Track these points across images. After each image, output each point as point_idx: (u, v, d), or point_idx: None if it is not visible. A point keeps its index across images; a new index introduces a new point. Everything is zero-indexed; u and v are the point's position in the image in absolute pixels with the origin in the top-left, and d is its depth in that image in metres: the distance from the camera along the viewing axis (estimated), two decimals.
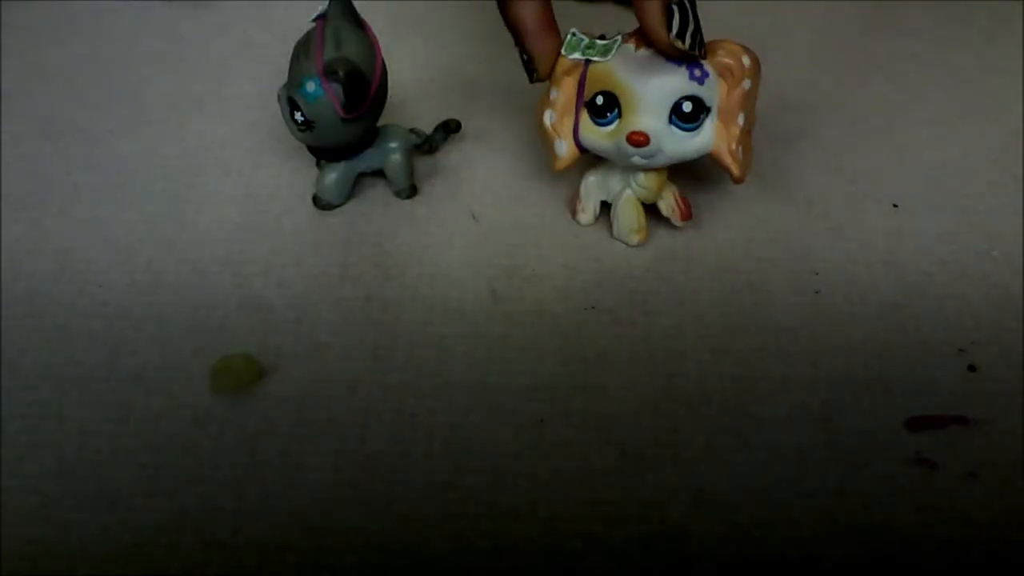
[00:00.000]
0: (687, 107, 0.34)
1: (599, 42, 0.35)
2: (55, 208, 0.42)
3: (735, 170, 0.36)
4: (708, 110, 0.35)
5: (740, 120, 0.35)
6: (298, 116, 0.37)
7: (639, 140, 0.34)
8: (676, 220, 0.39)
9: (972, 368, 0.35)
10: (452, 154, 0.45)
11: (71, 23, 0.54)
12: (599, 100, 0.35)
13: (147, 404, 0.34)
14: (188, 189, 0.43)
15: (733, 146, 0.35)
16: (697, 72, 0.34)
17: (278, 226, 0.41)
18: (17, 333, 0.37)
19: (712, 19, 0.52)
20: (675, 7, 0.32)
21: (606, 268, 0.39)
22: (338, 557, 0.30)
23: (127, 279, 0.39)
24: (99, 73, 0.50)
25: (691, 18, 0.32)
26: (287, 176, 0.43)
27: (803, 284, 0.38)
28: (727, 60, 0.34)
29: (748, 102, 0.35)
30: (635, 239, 0.40)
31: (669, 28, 0.32)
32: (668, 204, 0.39)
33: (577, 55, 0.35)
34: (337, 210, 0.42)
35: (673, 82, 0.34)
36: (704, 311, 0.37)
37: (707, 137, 0.35)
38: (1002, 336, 0.36)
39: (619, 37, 0.35)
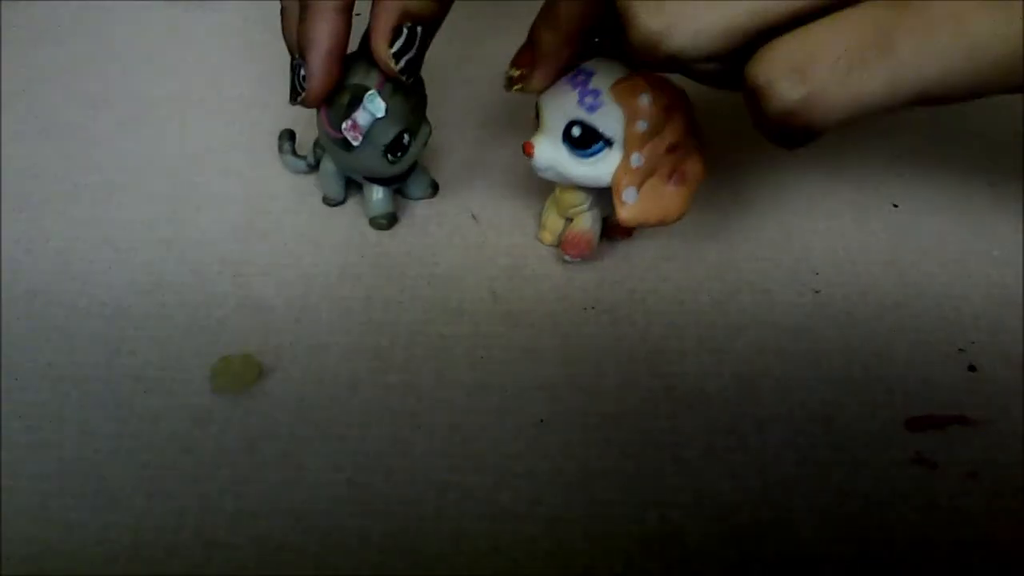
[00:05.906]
0: (575, 131, 0.34)
1: None
2: (55, 208, 0.42)
3: (619, 210, 0.34)
4: (609, 141, 0.34)
5: (635, 160, 0.33)
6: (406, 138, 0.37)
7: (525, 150, 0.35)
8: (564, 250, 0.38)
9: (972, 368, 0.35)
10: (452, 154, 0.45)
11: (71, 23, 0.54)
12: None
13: (147, 404, 0.34)
14: (188, 189, 0.43)
15: (624, 183, 0.34)
16: (588, 100, 0.33)
17: (278, 226, 0.41)
18: (17, 333, 0.37)
19: None
20: (405, 29, 0.33)
21: (606, 268, 0.39)
22: (338, 557, 0.30)
23: (127, 279, 0.39)
24: (99, 73, 0.50)
25: (415, 47, 0.34)
26: (287, 176, 0.43)
27: (803, 284, 0.38)
28: (623, 97, 0.33)
29: (645, 144, 0.33)
30: (541, 234, 0.39)
31: (391, 44, 0.34)
32: (571, 228, 0.38)
33: None
34: (337, 210, 0.42)
35: (562, 104, 0.34)
36: (704, 311, 0.37)
37: (606, 168, 0.34)
38: (1002, 336, 0.36)
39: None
